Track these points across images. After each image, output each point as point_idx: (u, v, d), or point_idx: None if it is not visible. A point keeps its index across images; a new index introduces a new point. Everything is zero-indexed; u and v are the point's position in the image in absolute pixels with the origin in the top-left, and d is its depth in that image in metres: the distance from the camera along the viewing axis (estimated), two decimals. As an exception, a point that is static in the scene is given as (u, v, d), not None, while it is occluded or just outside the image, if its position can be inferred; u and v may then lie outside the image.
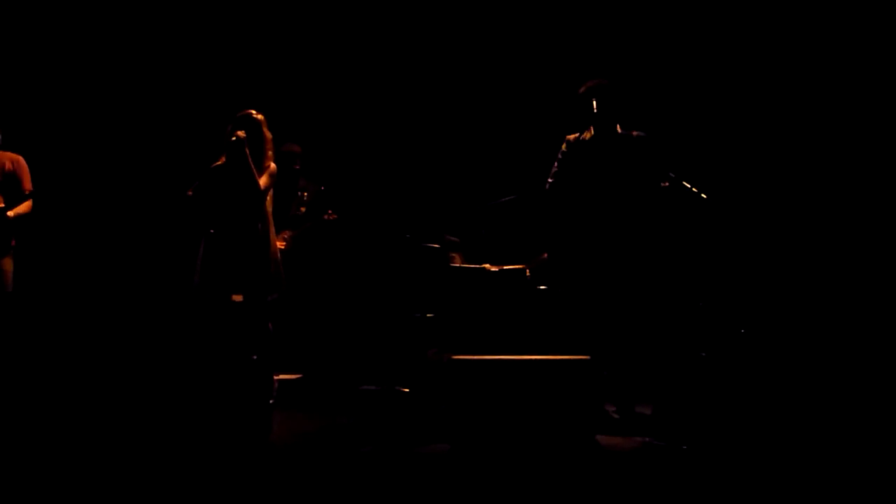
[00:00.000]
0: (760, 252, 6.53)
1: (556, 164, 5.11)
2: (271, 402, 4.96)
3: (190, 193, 5.00)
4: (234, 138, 4.90)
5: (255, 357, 4.90)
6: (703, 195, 5.10)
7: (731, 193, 6.34)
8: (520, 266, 5.60)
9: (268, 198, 5.08)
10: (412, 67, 7.31)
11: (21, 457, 4.21)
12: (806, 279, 6.49)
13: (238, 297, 5.06)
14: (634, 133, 5.04)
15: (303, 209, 6.68)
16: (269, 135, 5.10)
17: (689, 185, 5.06)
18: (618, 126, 5.05)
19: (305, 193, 6.71)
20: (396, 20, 7.26)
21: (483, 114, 7.23)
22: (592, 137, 5.02)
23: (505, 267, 5.69)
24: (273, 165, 5.09)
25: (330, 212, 6.75)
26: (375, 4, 7.27)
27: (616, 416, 4.99)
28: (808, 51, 6.68)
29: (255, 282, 4.98)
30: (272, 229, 5.10)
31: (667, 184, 4.99)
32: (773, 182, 6.67)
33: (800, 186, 6.62)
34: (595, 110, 4.93)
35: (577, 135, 5.08)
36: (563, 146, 5.10)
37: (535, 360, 4.36)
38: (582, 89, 5.04)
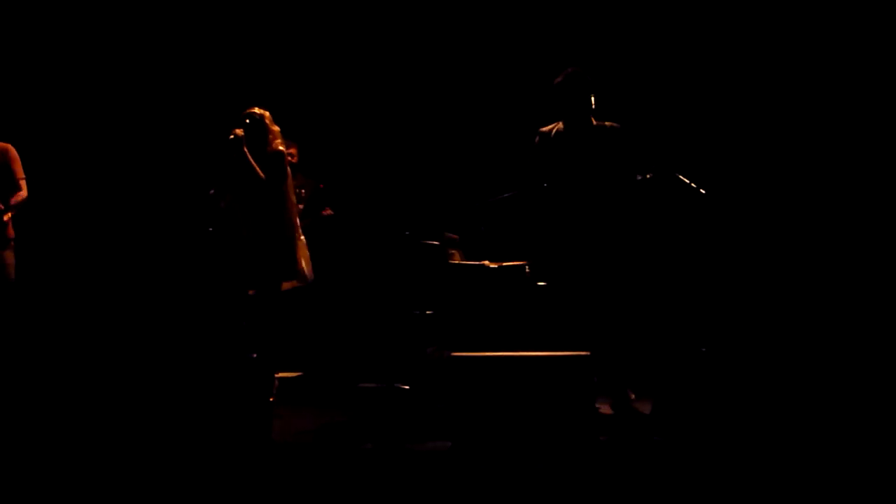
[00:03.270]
0: (759, 247, 6.53)
1: (530, 158, 5.09)
2: (271, 399, 4.96)
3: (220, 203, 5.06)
4: (231, 136, 4.95)
5: (254, 355, 4.91)
6: (701, 190, 5.10)
7: (730, 188, 6.34)
8: (519, 262, 5.60)
9: (287, 184, 5.08)
10: (411, 65, 7.30)
11: (21, 455, 4.21)
12: (804, 274, 6.49)
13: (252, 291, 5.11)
14: (608, 124, 5.02)
15: (301, 206, 6.70)
16: (275, 128, 5.14)
17: (686, 180, 5.06)
18: (592, 118, 5.03)
19: (303, 191, 6.73)
20: (395, 18, 7.25)
21: (481, 111, 7.23)
22: (565, 129, 5.00)
23: (504, 263, 5.69)
24: (281, 148, 5.08)
25: (327, 208, 6.77)
26: (374, 3, 7.26)
27: (612, 410, 4.99)
28: (802, 44, 6.68)
29: (268, 271, 5.00)
30: (291, 215, 5.09)
31: (648, 176, 4.98)
32: (771, 177, 6.67)
33: (798, 181, 6.62)
34: (571, 107, 4.91)
35: (549, 127, 5.07)
36: (537, 139, 5.09)
37: (535, 356, 4.35)
38: (557, 80, 5.03)
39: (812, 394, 5.32)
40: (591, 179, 4.93)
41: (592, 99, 5.01)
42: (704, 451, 4.19)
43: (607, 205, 4.95)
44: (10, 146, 5.50)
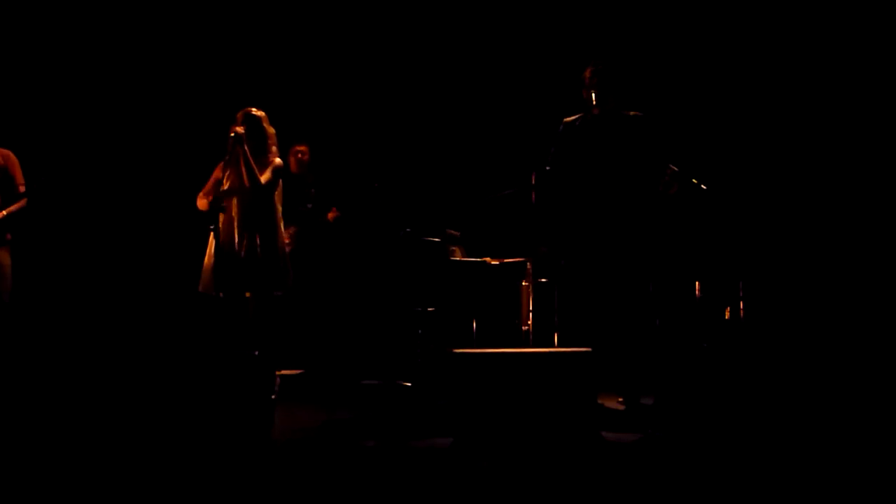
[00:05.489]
0: (761, 243, 6.52)
1: (553, 148, 5.09)
2: (273, 397, 4.96)
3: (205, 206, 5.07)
4: (232, 134, 4.97)
5: (256, 353, 4.92)
6: (702, 186, 5.10)
7: (732, 185, 6.34)
8: (521, 259, 5.60)
9: (277, 193, 5.14)
10: (412, 63, 7.30)
11: (20, 455, 4.21)
12: (806, 270, 6.49)
13: (247, 293, 5.15)
14: (631, 112, 5.02)
15: (309, 206, 6.73)
16: (271, 130, 5.17)
17: (689, 176, 5.05)
18: (618, 109, 5.02)
19: (313, 190, 6.78)
20: (397, 17, 7.24)
21: (482, 108, 7.22)
22: (592, 119, 4.99)
23: (506, 260, 5.68)
24: (278, 160, 5.15)
25: (334, 209, 6.79)
26: (375, 2, 7.25)
27: (622, 406, 5.00)
28: (806, 44, 6.67)
29: (261, 277, 5.04)
30: (280, 224, 5.16)
31: (667, 178, 4.98)
32: (773, 173, 6.66)
33: (799, 178, 6.62)
34: (593, 98, 4.90)
35: (574, 118, 5.07)
36: (561, 128, 5.09)
37: (537, 352, 4.35)
38: (584, 73, 5.02)
39: (813, 391, 5.32)
40: (615, 168, 4.93)
41: (619, 90, 4.99)
42: (706, 447, 4.19)
43: (630, 197, 4.94)
44: (10, 152, 5.48)
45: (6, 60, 6.77)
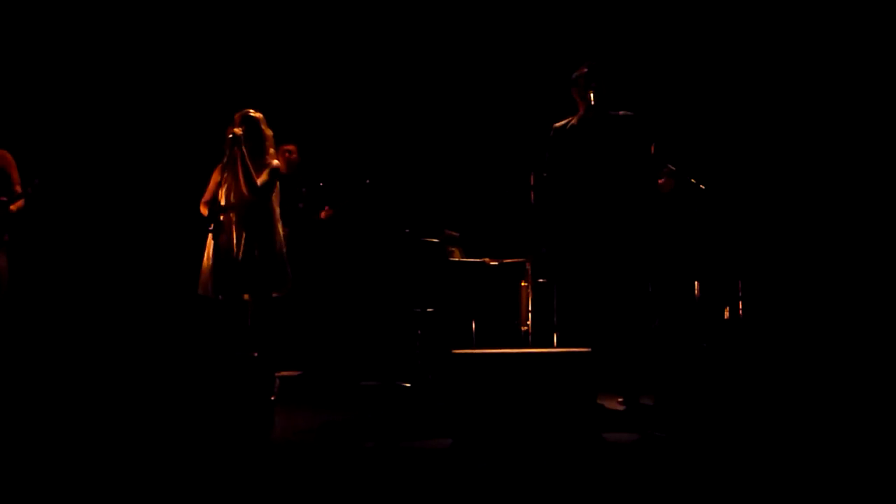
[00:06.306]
0: (759, 242, 6.52)
1: (547, 153, 5.09)
2: (272, 398, 4.95)
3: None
4: (230, 136, 4.97)
5: (255, 354, 4.92)
6: (701, 186, 5.10)
7: (731, 184, 6.34)
8: (520, 260, 5.60)
9: (274, 195, 5.14)
10: (410, 64, 7.29)
11: (20, 455, 4.20)
12: (805, 270, 6.49)
13: (245, 296, 5.15)
14: (621, 112, 5.02)
15: (301, 205, 6.70)
16: (268, 132, 5.18)
17: (688, 176, 5.05)
18: (608, 110, 5.02)
19: (304, 189, 6.75)
20: (395, 17, 7.24)
21: (481, 107, 7.22)
22: (584, 121, 5.00)
23: (505, 261, 5.68)
24: (275, 162, 5.16)
25: (326, 208, 6.76)
26: (373, 2, 7.25)
27: (622, 406, 4.99)
28: (804, 43, 6.67)
29: (259, 279, 5.04)
30: (278, 226, 5.16)
31: (665, 176, 4.98)
32: (771, 173, 6.66)
33: (798, 177, 6.62)
34: (591, 98, 4.90)
35: (563, 122, 5.07)
36: (551, 134, 5.09)
37: (537, 353, 4.34)
38: (577, 73, 5.02)
39: (812, 390, 5.32)
40: (611, 170, 4.93)
41: (610, 91, 4.99)
42: (705, 447, 4.18)
43: (627, 198, 4.94)
44: (6, 152, 5.46)
45: (6, 60, 6.76)
